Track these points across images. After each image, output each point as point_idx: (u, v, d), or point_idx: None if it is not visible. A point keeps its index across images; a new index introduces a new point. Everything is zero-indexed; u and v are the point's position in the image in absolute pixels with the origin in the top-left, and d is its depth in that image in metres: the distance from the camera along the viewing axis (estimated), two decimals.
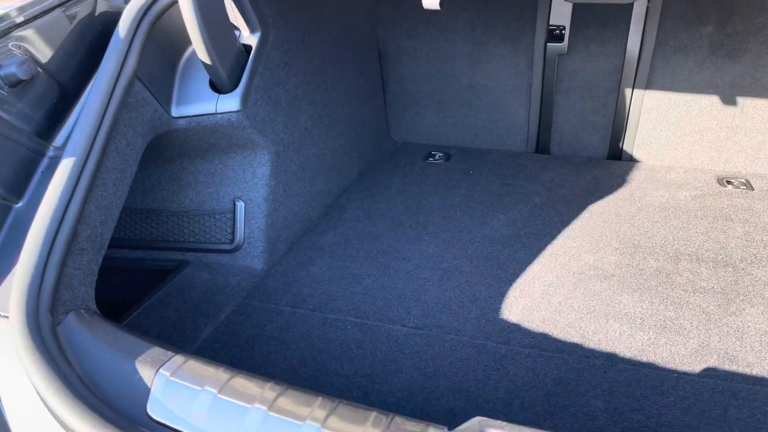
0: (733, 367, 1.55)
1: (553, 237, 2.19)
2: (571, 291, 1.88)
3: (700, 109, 2.59)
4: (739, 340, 1.64)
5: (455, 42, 2.83)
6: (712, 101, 2.57)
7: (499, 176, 2.71)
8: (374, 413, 1.04)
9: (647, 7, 2.46)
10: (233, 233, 2.06)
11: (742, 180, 2.55)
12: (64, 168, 1.42)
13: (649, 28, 2.50)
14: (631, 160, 2.80)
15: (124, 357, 1.17)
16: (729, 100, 2.54)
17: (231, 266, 2.06)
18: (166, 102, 1.80)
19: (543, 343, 1.68)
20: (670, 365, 1.57)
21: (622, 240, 2.14)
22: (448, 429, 0.98)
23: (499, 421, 0.95)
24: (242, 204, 2.07)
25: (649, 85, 2.62)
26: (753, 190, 2.46)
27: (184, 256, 2.09)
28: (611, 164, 2.78)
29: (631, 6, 2.48)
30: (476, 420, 0.96)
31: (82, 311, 1.31)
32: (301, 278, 2.03)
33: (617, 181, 2.60)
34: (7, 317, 1.21)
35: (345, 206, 2.51)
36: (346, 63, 2.62)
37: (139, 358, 1.17)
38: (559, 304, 1.83)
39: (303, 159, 2.27)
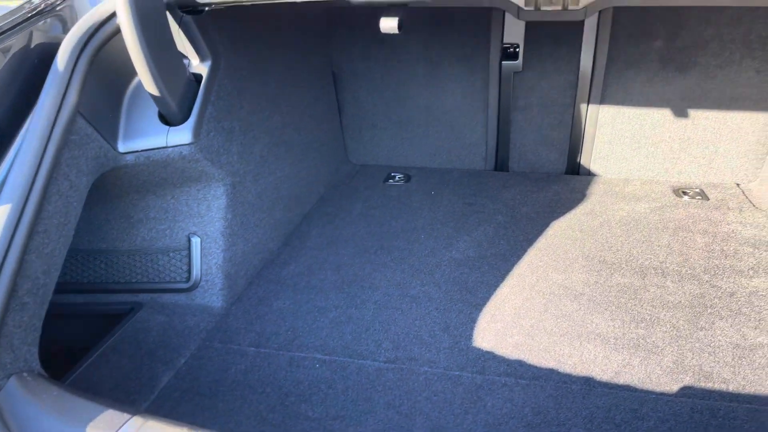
0: (709, 385, 1.54)
1: (519, 257, 2.17)
2: (542, 313, 1.85)
3: (653, 122, 2.64)
4: (711, 355, 1.64)
5: (410, 63, 2.80)
6: (664, 114, 2.61)
7: (460, 196, 2.68)
8: None
9: (597, 24, 2.49)
10: (189, 271, 1.96)
11: (697, 190, 2.59)
12: None
13: (600, 44, 2.53)
14: (589, 174, 2.82)
15: (74, 425, 1.07)
16: (680, 112, 2.59)
17: (188, 306, 1.95)
18: (112, 137, 1.69)
19: (518, 370, 1.63)
20: (647, 386, 1.55)
21: (587, 257, 2.13)
22: None
23: None
24: (198, 239, 1.97)
25: (603, 100, 2.65)
26: (708, 199, 2.50)
27: (137, 297, 1.96)
28: (570, 179, 2.79)
29: (581, 23, 2.50)
30: None
31: (25, 374, 1.19)
32: (264, 315, 1.94)
33: (577, 196, 2.60)
34: None
35: (306, 234, 2.43)
36: (300, 87, 2.55)
37: (91, 424, 1.07)
38: (531, 328, 1.79)
39: (260, 189, 2.18)
